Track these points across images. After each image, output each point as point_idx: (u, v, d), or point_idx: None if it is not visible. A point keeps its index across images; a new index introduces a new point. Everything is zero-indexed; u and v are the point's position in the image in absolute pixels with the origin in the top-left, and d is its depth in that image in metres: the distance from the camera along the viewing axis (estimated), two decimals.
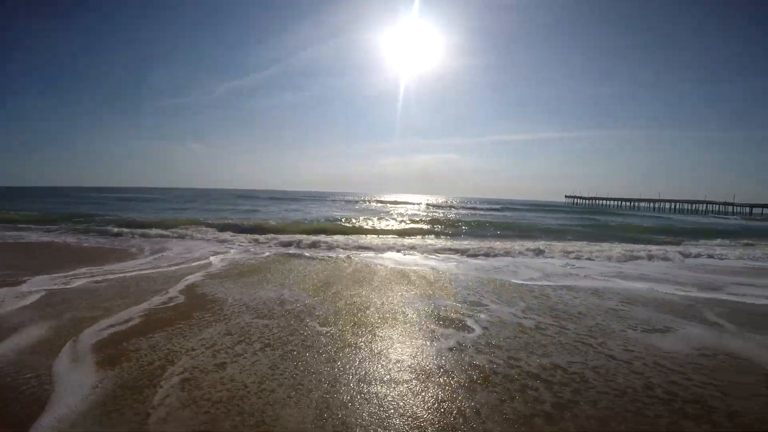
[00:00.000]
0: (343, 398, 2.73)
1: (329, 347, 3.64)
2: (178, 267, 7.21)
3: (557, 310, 5.04)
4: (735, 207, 49.70)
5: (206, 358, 3.32)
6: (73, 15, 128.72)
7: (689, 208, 54.04)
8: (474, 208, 38.23)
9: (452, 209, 35.50)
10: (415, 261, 8.79)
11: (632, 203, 60.77)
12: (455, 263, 8.58)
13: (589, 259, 9.50)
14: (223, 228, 13.60)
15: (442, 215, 25.29)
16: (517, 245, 11.05)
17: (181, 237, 11.49)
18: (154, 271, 6.83)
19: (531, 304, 5.34)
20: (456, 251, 10.00)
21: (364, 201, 49.16)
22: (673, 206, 55.78)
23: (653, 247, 11.76)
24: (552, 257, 9.69)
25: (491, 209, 37.13)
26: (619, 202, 62.59)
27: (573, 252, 10.24)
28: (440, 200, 72.42)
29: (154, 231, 12.27)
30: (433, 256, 9.43)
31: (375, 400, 2.71)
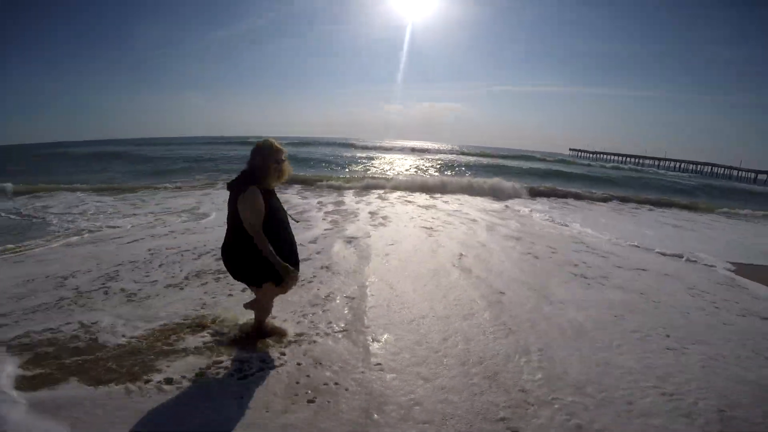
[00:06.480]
0: None
1: None
2: None
3: None
4: (740, 172, 48.71)
5: None
6: None
7: (694, 169, 53.05)
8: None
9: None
10: None
11: (637, 160, 59.45)
12: None
13: None
14: None
15: None
16: None
17: None
18: None
19: None
20: None
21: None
22: (677, 166, 54.68)
23: None
24: None
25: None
26: (624, 158, 61.27)
27: None
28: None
29: None
30: None
31: None
